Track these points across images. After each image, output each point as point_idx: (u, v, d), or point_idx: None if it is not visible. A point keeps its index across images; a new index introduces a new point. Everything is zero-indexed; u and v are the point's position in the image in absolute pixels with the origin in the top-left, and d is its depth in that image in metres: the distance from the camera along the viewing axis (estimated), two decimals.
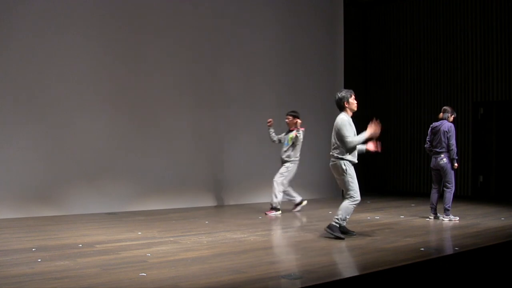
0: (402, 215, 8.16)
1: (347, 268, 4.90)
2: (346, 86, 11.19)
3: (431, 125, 7.84)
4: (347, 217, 6.03)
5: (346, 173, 5.97)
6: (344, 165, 5.96)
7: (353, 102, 6.12)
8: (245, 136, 9.99)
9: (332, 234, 5.94)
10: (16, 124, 7.57)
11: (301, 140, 8.30)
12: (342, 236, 5.95)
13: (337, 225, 6.00)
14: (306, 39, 11.02)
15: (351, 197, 6.00)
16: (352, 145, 5.94)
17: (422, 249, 5.40)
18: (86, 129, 8.14)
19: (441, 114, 7.79)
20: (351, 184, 5.98)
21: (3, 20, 7.44)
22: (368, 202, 9.97)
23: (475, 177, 11.13)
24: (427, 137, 7.87)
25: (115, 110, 8.45)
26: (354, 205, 6.03)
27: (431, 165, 7.86)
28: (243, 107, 9.97)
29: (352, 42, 12.54)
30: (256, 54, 10.23)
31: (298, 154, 8.39)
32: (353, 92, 6.20)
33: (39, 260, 4.65)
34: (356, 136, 5.98)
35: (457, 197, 10.88)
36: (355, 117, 6.29)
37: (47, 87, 7.84)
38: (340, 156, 5.99)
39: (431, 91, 11.78)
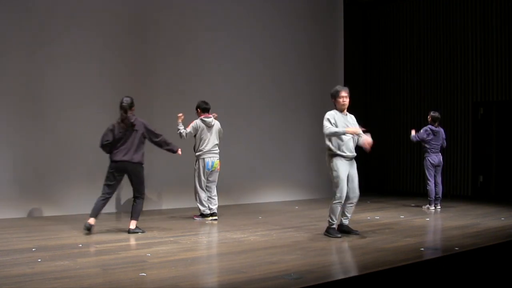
0: (402, 215, 8.16)
1: (347, 268, 4.90)
2: (346, 87, 11.21)
3: (430, 128, 8.98)
4: (333, 216, 6.01)
5: (330, 169, 6.00)
6: (330, 159, 5.98)
7: (338, 101, 6.05)
8: (245, 136, 9.99)
9: (328, 236, 6.03)
10: (17, 124, 7.58)
11: (193, 130, 7.44)
12: (338, 235, 6.01)
13: (331, 227, 6.06)
14: (306, 39, 11.02)
15: (334, 195, 6.00)
16: (327, 132, 5.89)
17: (422, 249, 5.40)
18: (86, 129, 8.13)
19: (437, 123, 9.04)
20: (334, 181, 5.97)
21: (4, 20, 7.44)
22: (368, 202, 9.97)
23: (475, 177, 11.13)
24: (422, 135, 8.98)
25: (115, 110, 8.43)
26: (338, 204, 5.96)
27: (435, 162, 9.01)
28: (243, 107, 9.98)
29: (352, 42, 12.54)
30: (255, 54, 10.23)
31: (198, 148, 7.48)
32: (344, 90, 6.07)
33: (39, 260, 4.66)
34: (332, 129, 5.88)
35: (457, 197, 10.93)
36: (356, 117, 6.29)
37: (47, 87, 7.84)
38: (327, 151, 6.04)
39: (431, 91, 11.77)
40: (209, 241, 6.09)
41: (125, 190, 8.51)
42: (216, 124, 7.67)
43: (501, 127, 10.93)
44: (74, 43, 8.04)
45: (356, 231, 6.24)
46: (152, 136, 6.39)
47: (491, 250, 5.59)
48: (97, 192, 8.17)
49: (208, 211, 7.54)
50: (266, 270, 4.37)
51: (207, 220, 7.47)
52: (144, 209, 8.48)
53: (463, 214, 8.27)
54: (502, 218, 7.78)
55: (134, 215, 6.33)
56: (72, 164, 8.02)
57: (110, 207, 8.28)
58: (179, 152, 6.66)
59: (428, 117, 9.14)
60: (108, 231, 6.40)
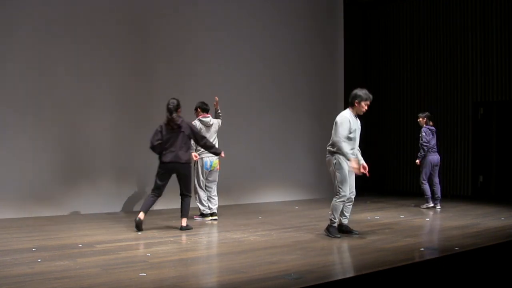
0: (402, 215, 8.16)
1: (347, 268, 4.90)
2: (346, 87, 11.19)
3: (429, 128, 9.06)
4: (335, 214, 6.04)
5: (335, 168, 6.01)
6: (336, 159, 6.00)
7: (362, 105, 6.12)
8: (245, 136, 9.99)
9: (328, 235, 6.05)
10: (17, 125, 7.58)
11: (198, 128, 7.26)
12: (337, 235, 6.01)
13: (332, 225, 6.07)
14: (306, 39, 11.02)
15: (337, 193, 6.03)
16: (336, 145, 5.93)
17: (422, 249, 5.40)
18: (86, 129, 8.15)
19: (431, 122, 9.14)
20: (338, 179, 6.00)
21: (6, 20, 7.45)
22: (368, 202, 9.97)
23: (475, 177, 11.13)
24: (427, 137, 8.95)
25: (116, 110, 8.46)
26: (341, 202, 6.01)
27: (434, 161, 9.04)
28: (243, 107, 9.97)
29: (352, 42, 12.54)
30: (255, 54, 10.22)
31: (196, 148, 7.35)
32: (371, 99, 6.22)
33: (39, 260, 4.66)
34: (344, 145, 5.91)
35: (457, 197, 10.93)
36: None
37: (48, 88, 7.85)
38: (334, 151, 6.03)
39: (431, 91, 11.77)
40: (209, 241, 6.09)
41: (125, 190, 8.51)
42: (215, 124, 7.68)
43: (501, 127, 10.93)
44: (74, 43, 8.04)
45: (356, 231, 6.26)
46: (198, 138, 6.71)
47: (491, 250, 5.59)
48: (97, 192, 8.23)
49: (208, 211, 7.55)
50: (266, 270, 4.37)
51: (207, 220, 7.48)
52: None
53: (463, 214, 8.27)
54: (502, 218, 7.78)
55: (184, 213, 6.64)
56: (72, 164, 8.02)
57: (110, 207, 8.29)
58: (223, 154, 7.04)
59: (421, 119, 9.15)
60: (109, 231, 6.40)
